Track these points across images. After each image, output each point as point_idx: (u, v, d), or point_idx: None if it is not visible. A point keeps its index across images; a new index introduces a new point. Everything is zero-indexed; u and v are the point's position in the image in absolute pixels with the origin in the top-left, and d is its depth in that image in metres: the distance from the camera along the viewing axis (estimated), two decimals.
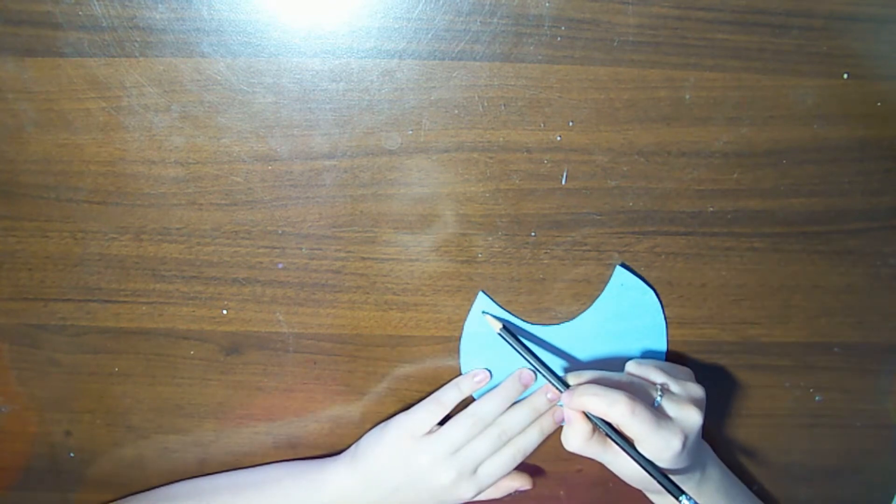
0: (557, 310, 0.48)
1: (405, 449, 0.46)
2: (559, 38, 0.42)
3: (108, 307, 0.47)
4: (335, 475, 0.48)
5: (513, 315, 0.48)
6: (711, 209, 0.46)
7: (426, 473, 0.46)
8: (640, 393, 0.41)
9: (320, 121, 0.44)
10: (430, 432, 0.46)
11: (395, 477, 0.46)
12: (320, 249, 0.46)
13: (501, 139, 0.44)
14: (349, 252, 0.47)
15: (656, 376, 0.43)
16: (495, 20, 0.42)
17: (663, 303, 0.48)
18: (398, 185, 0.45)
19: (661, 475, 0.40)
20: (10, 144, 0.44)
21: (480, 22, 0.42)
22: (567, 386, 0.42)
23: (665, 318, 0.48)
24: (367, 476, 0.47)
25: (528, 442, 0.46)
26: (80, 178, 0.45)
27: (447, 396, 0.47)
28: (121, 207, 0.45)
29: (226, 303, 0.48)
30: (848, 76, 0.44)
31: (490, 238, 0.46)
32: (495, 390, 0.47)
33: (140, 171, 0.44)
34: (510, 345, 0.45)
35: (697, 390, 0.43)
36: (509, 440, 0.46)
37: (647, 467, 0.40)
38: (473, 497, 0.47)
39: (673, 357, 0.49)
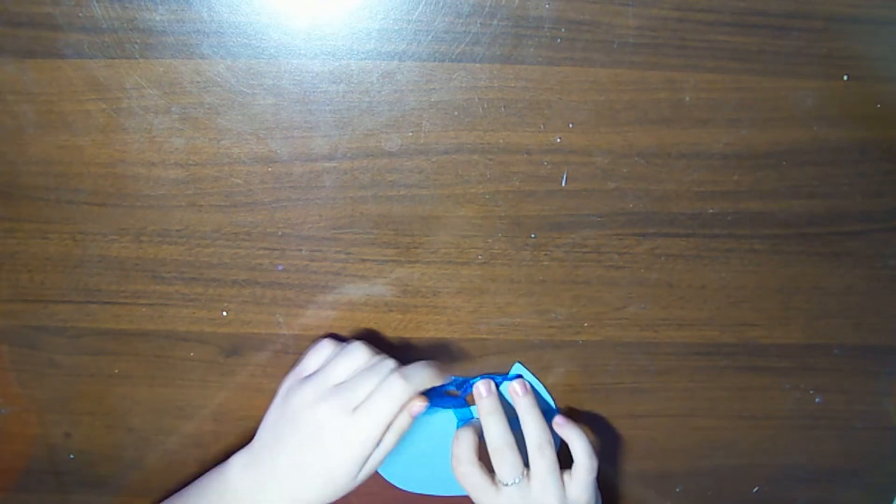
0: (557, 311, 0.48)
1: (286, 390, 0.44)
2: (559, 40, 0.42)
3: (108, 309, 0.47)
4: (235, 460, 0.45)
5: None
6: (711, 211, 0.46)
7: (305, 410, 0.42)
8: None
9: (320, 122, 0.44)
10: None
11: (278, 427, 0.43)
12: (320, 251, 0.46)
13: (501, 141, 0.44)
14: (349, 254, 0.46)
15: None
16: (495, 22, 0.42)
17: (664, 304, 0.48)
18: (398, 187, 0.45)
19: None
20: (10, 146, 0.44)
21: (480, 24, 0.42)
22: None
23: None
24: (260, 441, 0.44)
25: (416, 375, 0.41)
26: (80, 179, 0.45)
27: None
28: (121, 209, 0.45)
29: (226, 304, 0.48)
30: (848, 78, 0.44)
31: (490, 240, 0.46)
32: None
33: (140, 173, 0.44)
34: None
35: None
36: (393, 372, 0.41)
37: None
38: (365, 448, 0.41)
39: None
